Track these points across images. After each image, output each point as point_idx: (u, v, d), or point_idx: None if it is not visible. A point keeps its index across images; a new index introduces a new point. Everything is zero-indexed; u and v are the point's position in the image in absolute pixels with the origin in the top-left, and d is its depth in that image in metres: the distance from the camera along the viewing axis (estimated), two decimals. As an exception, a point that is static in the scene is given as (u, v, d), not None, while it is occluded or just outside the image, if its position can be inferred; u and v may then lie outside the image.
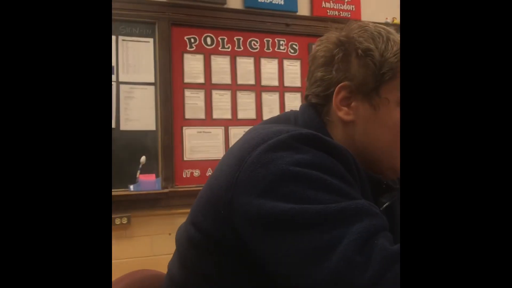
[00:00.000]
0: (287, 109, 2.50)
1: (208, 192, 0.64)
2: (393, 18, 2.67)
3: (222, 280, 0.62)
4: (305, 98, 0.77)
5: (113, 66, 2.14)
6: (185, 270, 0.66)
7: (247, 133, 0.69)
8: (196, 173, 2.28)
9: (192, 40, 2.32)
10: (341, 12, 2.65)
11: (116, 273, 0.82)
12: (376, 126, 0.70)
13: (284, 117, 0.76)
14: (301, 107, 0.77)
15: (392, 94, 0.68)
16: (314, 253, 0.51)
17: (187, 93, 2.28)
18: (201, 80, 2.32)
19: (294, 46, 2.54)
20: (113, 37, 2.16)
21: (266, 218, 0.54)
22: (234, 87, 2.38)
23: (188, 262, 0.66)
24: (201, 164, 2.29)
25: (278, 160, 0.56)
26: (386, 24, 2.62)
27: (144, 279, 0.86)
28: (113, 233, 2.02)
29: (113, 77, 2.14)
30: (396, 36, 0.71)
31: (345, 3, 2.68)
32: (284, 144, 0.58)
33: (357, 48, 0.69)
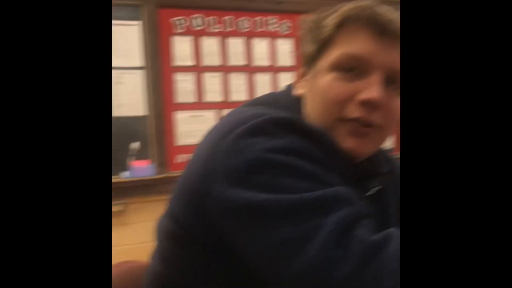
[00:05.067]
0: (280, 90, 2.45)
1: (183, 182, 0.60)
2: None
3: (202, 275, 0.59)
4: None
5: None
6: (164, 263, 0.63)
7: (223, 117, 0.65)
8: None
9: (180, 22, 2.26)
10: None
11: (114, 260, 0.81)
12: (311, 95, 0.66)
13: (263, 99, 0.72)
14: (286, 87, 0.74)
15: (326, 61, 0.63)
16: (290, 245, 0.48)
17: (177, 76, 2.23)
18: (190, 62, 2.26)
19: (286, 24, 2.48)
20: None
21: (241, 209, 0.51)
22: (225, 69, 2.33)
23: (167, 255, 0.63)
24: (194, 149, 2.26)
25: (252, 147, 0.53)
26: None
27: (129, 270, 0.85)
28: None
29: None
30: (350, 7, 0.63)
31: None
32: (258, 129, 0.55)
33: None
